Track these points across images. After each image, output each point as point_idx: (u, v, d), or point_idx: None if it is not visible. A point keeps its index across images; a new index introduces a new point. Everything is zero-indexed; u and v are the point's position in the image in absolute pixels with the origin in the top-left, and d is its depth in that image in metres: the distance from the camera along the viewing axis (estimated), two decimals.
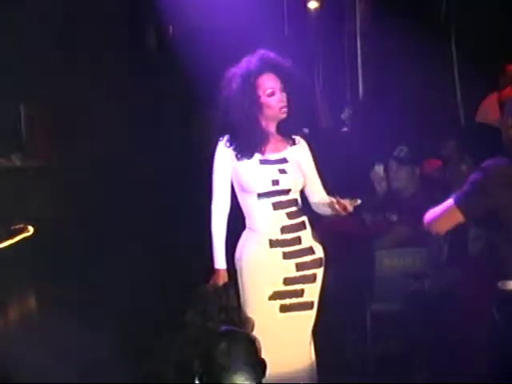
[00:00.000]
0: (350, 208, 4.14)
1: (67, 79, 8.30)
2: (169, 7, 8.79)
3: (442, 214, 4.00)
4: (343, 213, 4.17)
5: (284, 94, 4.31)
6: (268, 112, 4.32)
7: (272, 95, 4.30)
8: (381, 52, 8.35)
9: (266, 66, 4.30)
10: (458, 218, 3.95)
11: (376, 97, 8.42)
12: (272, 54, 4.34)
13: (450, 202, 3.96)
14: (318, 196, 4.44)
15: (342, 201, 4.13)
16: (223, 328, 3.28)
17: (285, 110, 4.32)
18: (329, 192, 4.43)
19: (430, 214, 4.05)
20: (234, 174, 4.34)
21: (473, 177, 3.97)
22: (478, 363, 4.53)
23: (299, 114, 4.38)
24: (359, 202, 4.14)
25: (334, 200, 4.17)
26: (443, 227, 4.09)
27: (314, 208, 4.48)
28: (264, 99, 4.29)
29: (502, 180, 3.92)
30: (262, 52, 4.33)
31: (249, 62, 4.31)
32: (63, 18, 8.29)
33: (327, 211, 4.34)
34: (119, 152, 8.46)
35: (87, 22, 8.35)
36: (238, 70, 4.31)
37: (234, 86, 4.26)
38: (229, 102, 4.27)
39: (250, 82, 4.25)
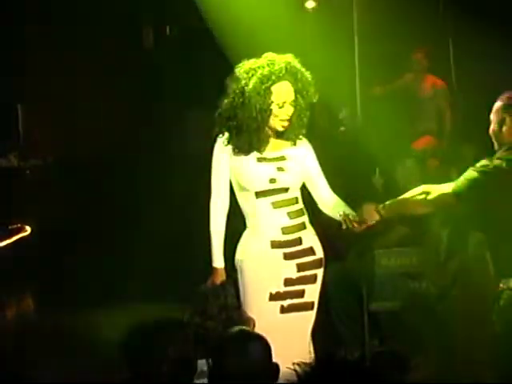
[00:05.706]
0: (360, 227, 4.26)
1: (65, 79, 8.31)
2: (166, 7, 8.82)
3: (437, 196, 4.08)
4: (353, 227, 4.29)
5: (291, 109, 4.29)
6: (271, 120, 4.29)
7: (282, 107, 4.27)
8: (379, 51, 8.35)
9: (287, 74, 4.25)
10: (451, 201, 4.07)
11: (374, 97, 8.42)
12: (297, 64, 4.28)
13: (446, 186, 4.08)
14: (325, 193, 4.43)
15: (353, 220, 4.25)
16: (236, 329, 3.29)
17: (284, 124, 4.30)
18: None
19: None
20: (232, 172, 4.33)
21: (469, 173, 4.01)
22: (477, 363, 4.54)
23: (299, 125, 4.36)
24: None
25: (345, 216, 4.26)
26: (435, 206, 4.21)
27: (322, 207, 4.47)
28: (274, 107, 4.26)
29: (497, 179, 3.96)
30: (289, 58, 4.28)
31: (272, 64, 4.24)
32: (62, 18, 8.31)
33: (335, 214, 4.37)
34: (117, 151, 8.45)
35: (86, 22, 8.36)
36: (258, 67, 4.24)
37: (251, 84, 4.21)
38: (242, 98, 4.23)
39: (266, 86, 4.20)
